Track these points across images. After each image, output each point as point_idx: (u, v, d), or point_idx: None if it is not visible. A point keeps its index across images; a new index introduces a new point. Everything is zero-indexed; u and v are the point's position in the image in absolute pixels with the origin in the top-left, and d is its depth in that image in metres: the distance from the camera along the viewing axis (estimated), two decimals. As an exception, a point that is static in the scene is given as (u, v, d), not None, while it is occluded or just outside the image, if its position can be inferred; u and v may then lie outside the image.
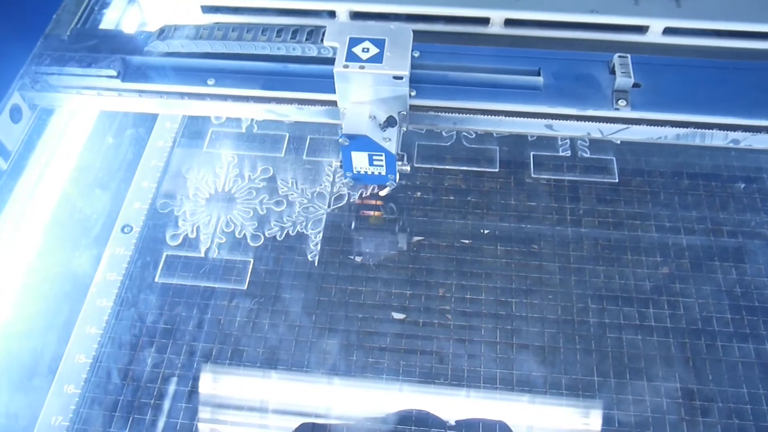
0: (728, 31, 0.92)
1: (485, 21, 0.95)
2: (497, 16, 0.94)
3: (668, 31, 0.93)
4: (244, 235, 0.84)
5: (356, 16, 0.96)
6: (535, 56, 0.77)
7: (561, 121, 0.74)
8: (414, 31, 0.73)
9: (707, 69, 0.75)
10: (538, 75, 0.75)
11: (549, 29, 0.95)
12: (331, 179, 0.89)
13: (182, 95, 0.79)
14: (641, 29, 0.93)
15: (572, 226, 0.83)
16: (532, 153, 0.90)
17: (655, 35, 0.93)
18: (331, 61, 0.70)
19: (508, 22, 0.95)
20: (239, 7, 0.97)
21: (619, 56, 0.74)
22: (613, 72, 0.74)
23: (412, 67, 0.71)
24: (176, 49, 0.78)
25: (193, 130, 0.94)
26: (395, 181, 0.78)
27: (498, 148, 0.90)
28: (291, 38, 0.76)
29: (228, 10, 0.98)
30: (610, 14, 0.93)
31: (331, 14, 0.96)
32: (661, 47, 0.93)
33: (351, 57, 0.69)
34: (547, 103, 0.74)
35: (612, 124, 0.74)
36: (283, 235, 0.84)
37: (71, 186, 0.87)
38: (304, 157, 0.91)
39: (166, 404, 0.72)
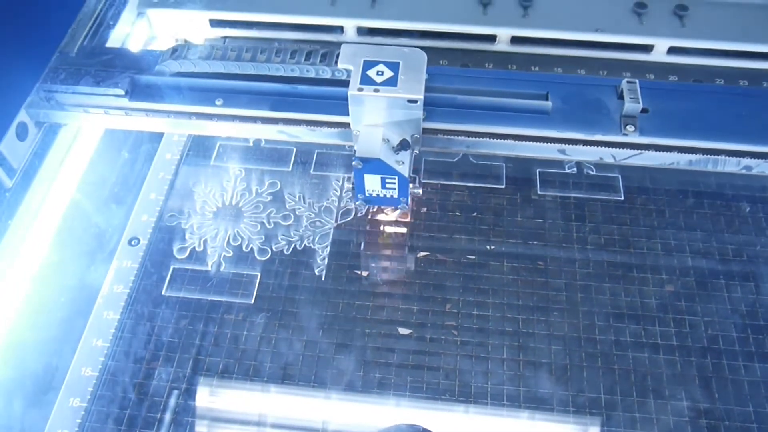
0: (733, 51, 0.93)
1: (492, 38, 0.96)
2: (504, 34, 0.95)
3: (673, 50, 0.94)
4: (252, 249, 0.84)
5: (363, 32, 0.97)
6: (543, 80, 0.77)
7: (573, 146, 0.75)
8: (421, 48, 0.74)
9: (716, 94, 0.75)
10: (547, 99, 0.75)
11: (554, 47, 0.96)
12: (338, 194, 0.89)
13: (190, 115, 0.79)
14: (646, 48, 0.94)
15: (578, 243, 0.84)
16: (538, 170, 0.90)
17: (660, 54, 0.95)
18: (344, 84, 0.71)
19: (515, 40, 0.96)
20: (248, 22, 0.99)
21: (628, 81, 0.74)
22: (621, 97, 0.74)
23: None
24: (189, 68, 0.78)
25: (201, 143, 0.95)
26: (407, 204, 0.78)
27: (504, 164, 0.91)
28: (305, 60, 0.76)
29: (236, 24, 0.99)
30: (615, 33, 0.94)
31: (340, 29, 0.97)
32: (666, 66, 0.94)
33: (365, 80, 0.70)
34: (556, 127, 0.74)
35: (624, 150, 0.74)
36: (290, 249, 0.84)
37: (78, 199, 0.87)
38: (312, 171, 0.91)
39: (173, 418, 0.71)
